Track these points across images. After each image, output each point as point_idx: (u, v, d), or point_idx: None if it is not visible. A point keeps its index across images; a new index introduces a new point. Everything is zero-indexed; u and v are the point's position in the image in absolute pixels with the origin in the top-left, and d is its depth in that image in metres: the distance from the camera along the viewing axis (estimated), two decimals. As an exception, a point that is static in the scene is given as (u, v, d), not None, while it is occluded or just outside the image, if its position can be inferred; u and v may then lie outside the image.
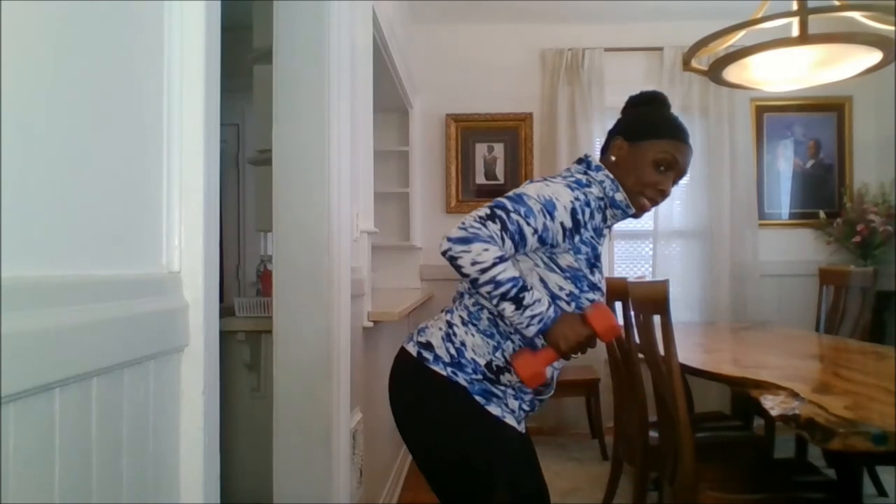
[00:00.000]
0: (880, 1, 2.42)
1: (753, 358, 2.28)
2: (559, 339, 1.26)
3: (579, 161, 1.47)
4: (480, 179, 4.30)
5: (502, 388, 1.36)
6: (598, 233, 1.40)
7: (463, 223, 1.25)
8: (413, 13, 4.11)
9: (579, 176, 1.40)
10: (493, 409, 1.34)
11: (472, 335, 1.35)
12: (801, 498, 1.89)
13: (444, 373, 1.33)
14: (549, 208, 1.29)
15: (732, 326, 3.40)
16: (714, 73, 2.64)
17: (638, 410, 2.35)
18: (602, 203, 1.40)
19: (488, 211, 1.27)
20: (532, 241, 1.29)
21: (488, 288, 1.23)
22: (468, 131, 4.29)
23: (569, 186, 1.34)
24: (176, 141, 0.92)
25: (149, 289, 0.86)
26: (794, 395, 1.55)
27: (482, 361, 1.34)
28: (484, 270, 1.22)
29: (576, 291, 1.35)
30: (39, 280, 0.65)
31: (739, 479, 1.98)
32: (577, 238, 1.34)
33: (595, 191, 1.38)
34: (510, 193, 1.32)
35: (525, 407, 1.41)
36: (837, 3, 2.37)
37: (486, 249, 1.22)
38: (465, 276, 1.25)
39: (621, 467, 2.67)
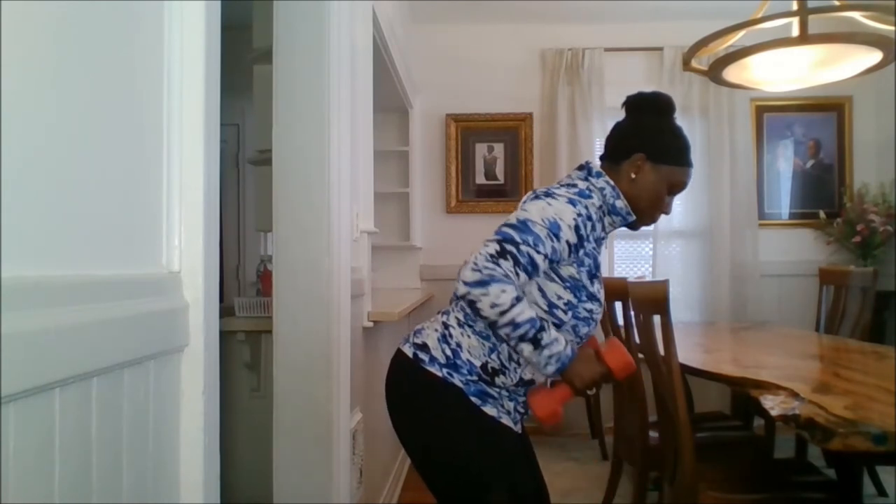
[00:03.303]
0: (880, 1, 2.42)
1: (753, 358, 2.28)
2: (574, 378, 1.29)
3: (580, 168, 1.46)
4: (480, 179, 4.30)
5: (497, 389, 1.36)
6: (599, 242, 1.40)
7: (476, 263, 1.24)
8: (413, 13, 4.11)
9: (581, 184, 1.40)
10: (489, 410, 1.34)
11: (469, 336, 1.35)
12: (801, 498, 1.89)
13: (439, 374, 1.33)
14: (554, 230, 1.28)
15: (732, 326, 3.40)
16: (714, 73, 2.64)
17: (638, 410, 2.35)
18: (601, 212, 1.40)
19: (498, 247, 1.25)
20: (543, 266, 1.29)
21: (507, 330, 1.24)
22: (468, 131, 4.29)
23: (570, 202, 1.32)
24: (176, 141, 0.92)
25: (149, 289, 0.86)
26: (794, 395, 1.55)
27: (478, 363, 1.34)
28: (503, 313, 1.22)
29: (574, 301, 1.35)
30: (39, 280, 0.65)
31: (739, 479, 1.98)
32: (580, 252, 1.34)
33: (595, 200, 1.38)
34: (515, 221, 1.29)
35: (520, 409, 1.41)
36: (837, 3, 2.37)
37: (504, 291, 1.22)
38: (483, 318, 1.24)
39: (621, 467, 2.67)
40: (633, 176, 1.41)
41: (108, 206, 0.79)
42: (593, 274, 1.38)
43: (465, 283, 1.23)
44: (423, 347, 1.37)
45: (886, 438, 1.22)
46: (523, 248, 1.26)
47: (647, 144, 1.41)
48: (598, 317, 1.41)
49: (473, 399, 1.33)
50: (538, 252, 1.27)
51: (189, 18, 0.93)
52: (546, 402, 1.31)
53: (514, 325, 1.23)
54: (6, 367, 0.58)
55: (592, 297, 1.37)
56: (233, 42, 1.93)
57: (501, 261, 1.24)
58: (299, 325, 1.95)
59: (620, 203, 1.40)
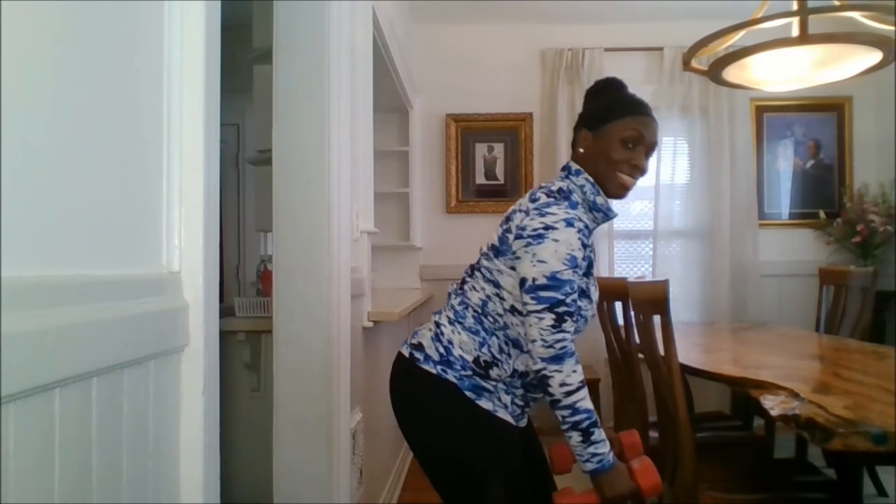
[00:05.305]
0: (880, 1, 2.42)
1: (753, 358, 2.28)
2: (606, 486, 1.30)
3: (563, 169, 1.47)
4: (480, 179, 4.30)
5: (493, 382, 1.38)
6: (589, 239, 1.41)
7: (545, 340, 1.27)
8: (413, 13, 4.11)
9: (561, 184, 1.41)
10: (485, 404, 1.37)
11: (459, 333, 1.39)
12: (801, 498, 1.89)
13: (433, 371, 1.37)
14: (573, 264, 1.31)
15: (732, 326, 3.40)
16: (714, 73, 2.63)
17: (638, 410, 2.35)
18: (584, 208, 1.41)
19: (553, 315, 1.28)
20: None
21: (565, 413, 1.27)
22: (468, 131, 4.29)
23: (568, 223, 1.31)
24: (176, 141, 0.92)
25: (149, 289, 0.86)
26: (794, 395, 1.55)
27: (469, 358, 1.37)
28: (569, 393, 1.27)
29: None
30: (39, 280, 0.65)
31: (739, 479, 1.98)
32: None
33: (577, 199, 1.40)
34: (544, 281, 1.28)
35: (518, 402, 1.43)
36: (837, 3, 2.37)
37: (575, 371, 1.28)
38: (550, 395, 1.29)
39: (621, 467, 2.66)
40: (581, 151, 1.44)
41: (108, 205, 0.79)
42: (586, 273, 1.40)
43: (542, 359, 1.28)
44: (419, 347, 1.42)
45: (886, 438, 1.22)
46: (569, 300, 1.30)
47: (584, 118, 1.46)
48: (590, 314, 1.42)
49: (468, 393, 1.36)
50: (575, 291, 1.32)
51: (189, 18, 0.93)
52: None
53: (574, 409, 1.27)
54: (6, 367, 0.58)
55: (583, 294, 1.39)
56: (233, 42, 1.93)
57: (564, 325, 1.29)
58: (299, 325, 1.95)
59: (601, 199, 1.42)
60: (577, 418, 1.27)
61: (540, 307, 1.28)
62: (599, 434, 1.28)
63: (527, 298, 1.30)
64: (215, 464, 0.99)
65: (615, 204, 1.48)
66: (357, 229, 2.28)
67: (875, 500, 2.79)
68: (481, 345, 1.38)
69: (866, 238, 3.92)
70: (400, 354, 1.47)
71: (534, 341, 1.29)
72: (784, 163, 4.26)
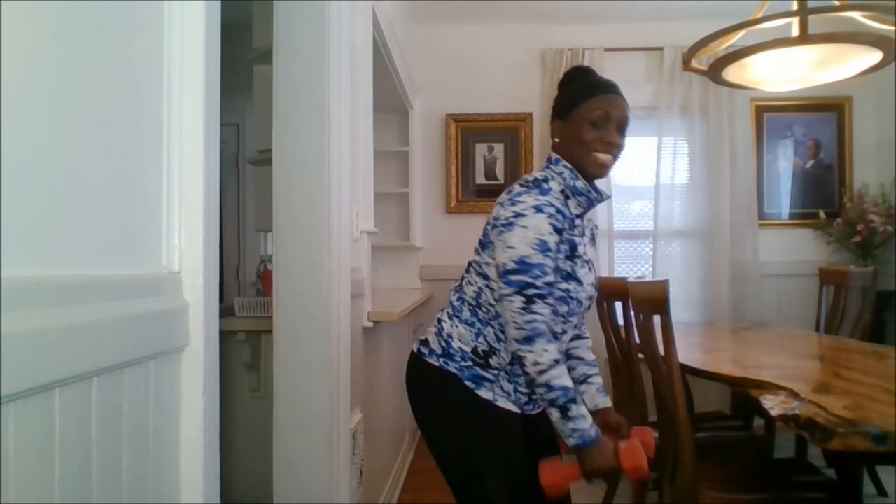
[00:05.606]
0: (880, 1, 2.42)
1: (753, 358, 2.28)
2: (586, 460, 1.32)
3: (546, 160, 1.50)
4: (480, 179, 4.30)
5: (494, 371, 1.43)
6: (571, 223, 1.42)
7: (516, 322, 1.31)
8: (413, 13, 4.11)
9: (538, 174, 1.44)
10: (485, 394, 1.41)
11: (457, 326, 1.46)
12: (801, 498, 1.89)
13: (436, 363, 1.44)
14: (544, 248, 1.33)
15: (732, 326, 3.40)
16: (714, 73, 2.64)
17: (638, 410, 2.35)
18: (564, 195, 1.43)
19: (523, 298, 1.31)
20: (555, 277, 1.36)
21: (542, 391, 1.31)
22: (468, 131, 4.29)
23: (537, 209, 1.34)
24: (176, 141, 0.92)
25: (149, 289, 0.86)
26: (794, 395, 1.55)
27: (468, 348, 1.43)
28: (541, 372, 1.29)
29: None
30: (39, 280, 0.65)
31: (739, 479, 1.98)
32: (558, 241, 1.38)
33: (554, 185, 1.41)
34: (513, 265, 1.32)
35: (522, 389, 1.45)
36: (837, 3, 2.37)
37: (546, 350, 1.30)
38: (526, 374, 1.32)
39: (621, 467, 2.66)
40: (557, 140, 1.48)
41: (108, 205, 0.79)
42: (569, 256, 1.41)
43: (515, 340, 1.32)
44: (425, 343, 1.50)
45: (886, 438, 1.22)
46: (539, 282, 1.32)
47: (554, 110, 1.50)
48: (581, 296, 1.43)
49: (468, 383, 1.41)
50: (548, 275, 1.33)
51: (189, 18, 0.93)
52: (552, 474, 1.35)
53: (549, 387, 1.29)
54: (6, 367, 0.58)
55: (569, 277, 1.40)
56: (233, 42, 1.93)
57: (534, 307, 1.31)
58: (299, 325, 1.95)
59: (580, 183, 1.43)
60: (552, 395, 1.29)
61: (510, 290, 1.32)
62: (578, 410, 1.30)
63: (500, 283, 1.34)
64: (215, 464, 0.99)
65: (613, 192, 1.49)
66: (357, 229, 2.28)
67: (875, 500, 2.79)
68: (477, 335, 1.43)
69: (866, 238, 3.92)
70: (411, 351, 1.54)
71: (507, 323, 1.33)
72: (784, 163, 4.26)
